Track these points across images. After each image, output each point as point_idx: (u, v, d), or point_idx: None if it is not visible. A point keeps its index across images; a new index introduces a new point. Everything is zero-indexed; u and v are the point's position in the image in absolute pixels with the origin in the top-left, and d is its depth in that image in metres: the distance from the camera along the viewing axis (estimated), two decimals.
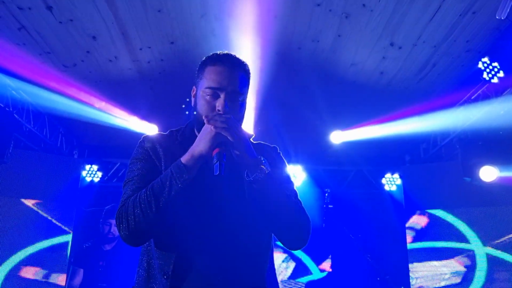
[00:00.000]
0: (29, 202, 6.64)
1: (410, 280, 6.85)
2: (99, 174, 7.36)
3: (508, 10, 3.74)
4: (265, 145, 1.99)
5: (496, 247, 6.55)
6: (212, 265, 1.66)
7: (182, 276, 1.64)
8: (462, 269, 6.70)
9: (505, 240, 6.51)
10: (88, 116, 6.33)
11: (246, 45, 5.79)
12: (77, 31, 5.09)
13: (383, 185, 7.57)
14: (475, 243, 6.70)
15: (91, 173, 7.31)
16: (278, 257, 7.29)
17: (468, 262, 6.68)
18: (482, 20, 4.86)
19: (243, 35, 5.60)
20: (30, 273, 6.41)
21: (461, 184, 6.34)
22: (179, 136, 1.89)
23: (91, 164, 7.36)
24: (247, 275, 1.70)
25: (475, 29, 5.01)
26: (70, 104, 6.11)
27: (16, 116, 5.82)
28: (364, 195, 7.73)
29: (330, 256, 7.13)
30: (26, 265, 6.40)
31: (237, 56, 1.85)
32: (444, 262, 6.83)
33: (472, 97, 5.80)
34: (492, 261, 6.55)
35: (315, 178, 7.49)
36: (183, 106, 6.51)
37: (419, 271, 6.93)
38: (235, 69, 1.78)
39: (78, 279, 5.15)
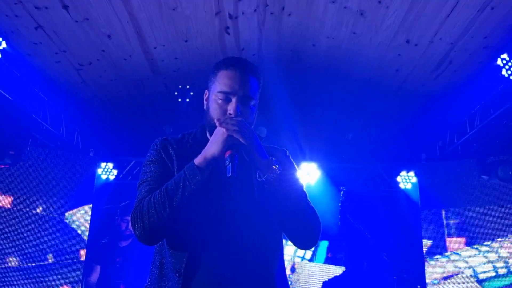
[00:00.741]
0: (46, 199, 6.72)
1: (426, 279, 6.81)
2: (115, 171, 7.43)
3: None
4: (274, 148, 2.01)
5: None
6: (223, 264, 1.69)
7: (194, 274, 1.67)
8: (478, 267, 6.62)
9: None
10: (103, 113, 6.39)
11: (261, 43, 5.78)
12: (93, 30, 5.13)
13: (398, 183, 7.51)
14: (491, 242, 6.61)
15: (107, 171, 7.37)
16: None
17: (484, 260, 6.60)
18: (500, 16, 4.77)
19: (257, 33, 5.60)
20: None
21: (478, 183, 6.26)
22: (191, 139, 1.92)
23: (107, 162, 7.42)
24: (257, 274, 1.72)
25: (494, 25, 4.92)
26: (85, 102, 6.17)
27: (33, 114, 5.90)
28: (379, 193, 7.68)
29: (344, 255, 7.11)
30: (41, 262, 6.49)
31: (249, 60, 1.89)
32: (460, 259, 6.76)
33: (490, 95, 5.72)
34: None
35: (330, 175, 7.45)
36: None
37: (434, 270, 6.87)
38: (247, 74, 1.81)
39: (95, 276, 5.22)
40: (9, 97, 5.43)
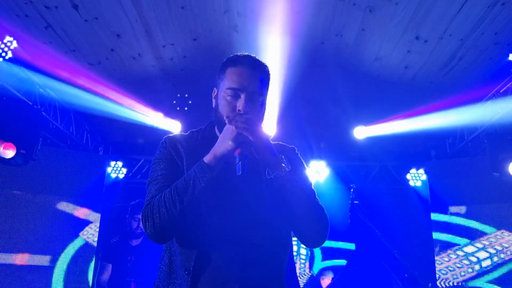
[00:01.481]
0: (57, 198, 6.77)
1: (436, 276, 6.78)
2: (124, 170, 7.47)
3: None
4: (284, 146, 2.01)
5: None
6: (232, 262, 1.69)
7: (203, 272, 1.68)
8: (488, 263, 6.58)
9: None
10: (112, 112, 6.41)
11: (269, 41, 5.77)
12: (102, 29, 5.16)
13: (408, 180, 7.47)
14: (502, 239, 6.56)
15: (116, 170, 7.42)
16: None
17: (494, 258, 6.55)
18: (511, 12, 4.73)
19: (266, 31, 5.59)
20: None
21: (489, 180, 6.20)
22: (199, 136, 1.92)
23: (116, 161, 7.46)
24: (266, 272, 1.72)
25: (504, 21, 4.88)
26: (95, 101, 6.20)
27: (43, 113, 5.94)
28: (389, 190, 7.65)
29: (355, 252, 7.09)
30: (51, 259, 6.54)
31: (258, 57, 1.88)
32: (469, 256, 6.71)
33: (501, 91, 5.67)
34: None
35: (339, 173, 7.44)
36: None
37: (444, 266, 6.83)
38: (255, 70, 1.81)
39: (106, 274, 5.25)
40: (20, 96, 5.47)
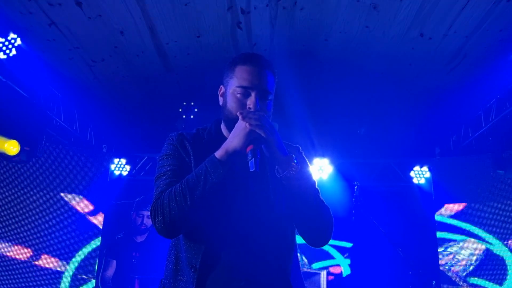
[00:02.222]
0: (61, 195, 6.79)
1: (440, 273, 6.76)
2: (127, 167, 7.48)
3: None
4: (288, 145, 2.01)
5: None
6: (239, 260, 1.70)
7: (209, 269, 1.69)
8: (492, 260, 6.57)
9: None
10: (116, 110, 6.42)
11: (273, 38, 5.76)
12: (106, 27, 5.16)
13: (412, 178, 7.45)
14: (505, 236, 6.55)
15: (120, 167, 7.42)
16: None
17: (499, 256, 6.53)
18: None
19: (270, 28, 5.57)
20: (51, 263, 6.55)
21: (493, 177, 6.18)
22: (206, 134, 1.93)
23: (120, 158, 7.47)
24: (272, 270, 1.73)
25: (509, 18, 4.85)
26: (98, 99, 6.21)
27: (47, 111, 5.95)
28: (392, 188, 7.63)
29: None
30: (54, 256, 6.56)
31: (263, 55, 1.90)
32: (473, 253, 6.70)
33: (506, 88, 5.64)
34: None
35: (342, 171, 7.42)
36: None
37: (448, 263, 6.82)
38: (264, 69, 1.82)
39: (111, 271, 5.27)
40: (24, 94, 5.48)
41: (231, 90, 1.82)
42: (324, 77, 6.36)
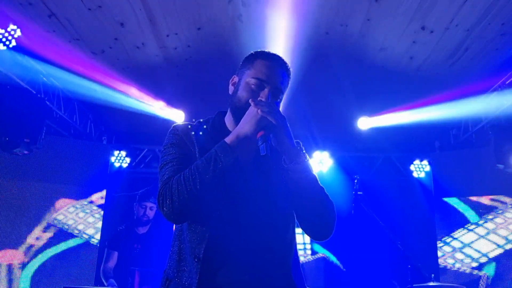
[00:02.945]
0: (61, 187, 6.80)
1: (439, 266, 6.80)
2: (127, 160, 7.48)
3: None
4: None
5: None
6: (242, 250, 1.70)
7: (213, 259, 1.69)
8: (492, 255, 6.59)
9: None
10: (116, 102, 6.41)
11: (273, 31, 5.73)
12: (106, 18, 5.13)
13: (412, 172, 7.46)
14: (507, 231, 6.56)
15: (120, 159, 7.43)
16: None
17: (498, 250, 6.56)
18: None
19: (270, 21, 5.55)
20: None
21: (493, 172, 6.18)
22: (209, 126, 1.94)
23: (120, 150, 7.47)
24: (274, 263, 1.74)
25: (511, 11, 4.83)
26: (98, 90, 6.19)
27: (47, 102, 5.94)
28: (392, 182, 7.64)
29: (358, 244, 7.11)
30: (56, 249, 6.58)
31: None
32: (474, 248, 6.73)
33: (507, 82, 5.63)
34: None
35: (342, 164, 7.43)
36: None
37: (448, 257, 6.85)
38: (283, 69, 1.88)
39: (112, 262, 5.29)
40: (24, 85, 5.47)
41: (247, 80, 1.85)
42: (324, 69, 6.34)
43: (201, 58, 6.11)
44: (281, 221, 1.79)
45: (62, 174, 6.76)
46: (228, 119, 1.94)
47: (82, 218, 6.86)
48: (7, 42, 4.93)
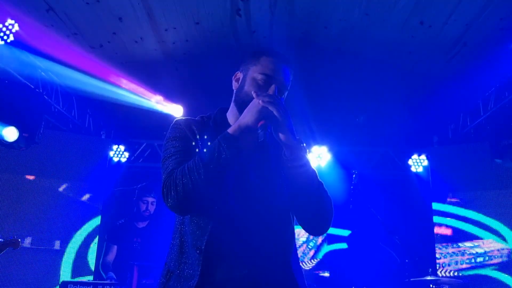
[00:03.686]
0: (59, 181, 6.80)
1: (437, 261, 6.82)
2: (126, 154, 7.49)
3: None
4: None
5: None
6: (243, 242, 1.73)
7: (215, 251, 1.71)
8: (489, 250, 6.62)
9: None
10: (114, 96, 6.41)
11: (272, 25, 5.72)
12: (104, 13, 5.12)
13: (410, 166, 7.48)
14: (504, 226, 6.59)
15: (118, 153, 7.43)
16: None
17: (497, 245, 6.58)
18: None
19: (269, 15, 5.54)
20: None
21: (491, 166, 6.20)
22: (211, 122, 1.95)
23: (118, 145, 7.47)
24: (275, 254, 1.77)
25: (510, 6, 4.81)
26: (97, 85, 6.19)
27: (45, 97, 5.94)
28: (390, 176, 7.66)
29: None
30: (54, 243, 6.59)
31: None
32: (471, 243, 6.75)
33: (506, 77, 5.63)
34: None
35: (340, 159, 7.44)
36: None
37: (445, 252, 6.88)
38: (287, 67, 1.93)
39: (111, 256, 5.31)
40: (23, 80, 5.46)
41: (253, 75, 1.87)
42: (323, 64, 6.33)
43: (199, 52, 6.10)
44: (282, 215, 1.82)
45: (61, 169, 6.76)
46: (230, 115, 1.96)
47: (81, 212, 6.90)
48: (5, 37, 4.91)
